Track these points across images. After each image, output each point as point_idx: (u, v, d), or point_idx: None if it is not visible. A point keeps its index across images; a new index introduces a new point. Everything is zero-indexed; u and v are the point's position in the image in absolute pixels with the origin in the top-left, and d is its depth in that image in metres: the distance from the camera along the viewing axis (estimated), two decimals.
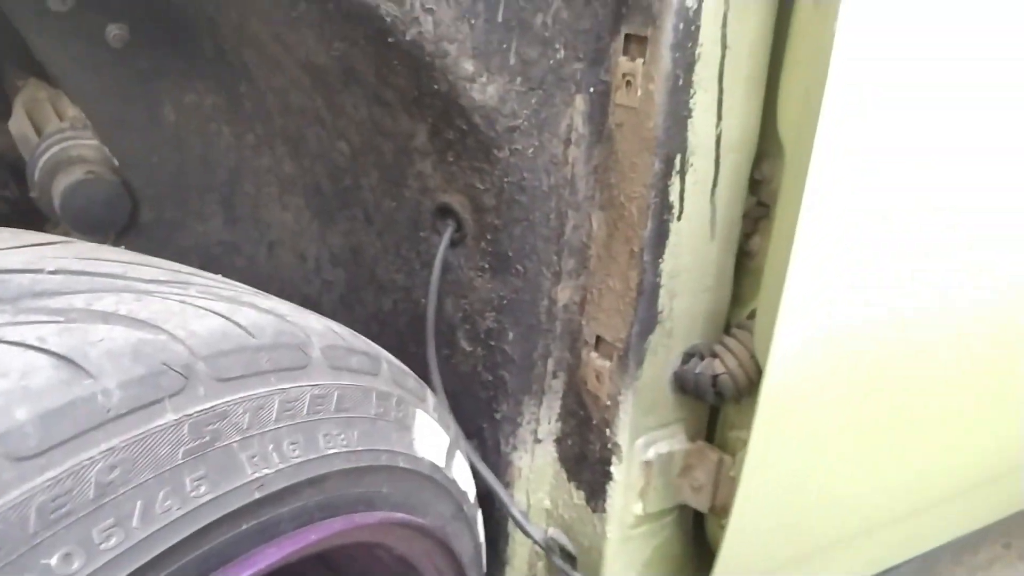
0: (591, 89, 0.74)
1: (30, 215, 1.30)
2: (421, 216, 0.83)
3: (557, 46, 0.71)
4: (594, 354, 0.81)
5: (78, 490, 0.37)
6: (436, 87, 0.69)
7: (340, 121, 0.84)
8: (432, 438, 0.67)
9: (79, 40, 0.84)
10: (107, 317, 0.44)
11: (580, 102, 0.74)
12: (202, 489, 0.42)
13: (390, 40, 0.66)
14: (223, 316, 0.50)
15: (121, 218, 0.90)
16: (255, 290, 0.60)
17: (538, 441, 0.87)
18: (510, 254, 0.78)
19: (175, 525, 0.41)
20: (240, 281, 0.62)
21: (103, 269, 0.51)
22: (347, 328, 0.63)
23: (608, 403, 0.80)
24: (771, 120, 0.76)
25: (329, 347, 0.56)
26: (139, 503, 0.39)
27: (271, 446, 0.48)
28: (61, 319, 0.43)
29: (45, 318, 0.43)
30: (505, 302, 0.80)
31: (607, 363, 0.80)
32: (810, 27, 0.71)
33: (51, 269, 0.48)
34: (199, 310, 0.49)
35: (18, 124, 1.08)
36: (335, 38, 0.72)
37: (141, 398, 0.41)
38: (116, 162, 0.92)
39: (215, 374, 0.46)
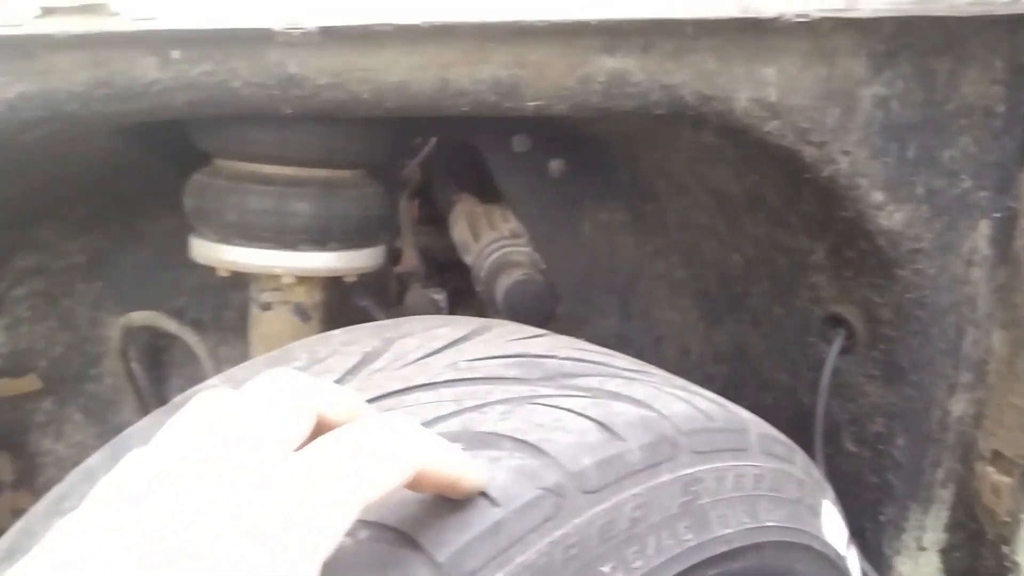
0: (996, 214, 0.79)
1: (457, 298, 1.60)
2: (810, 323, 0.92)
3: (963, 177, 0.77)
4: (991, 468, 0.82)
5: (618, 521, 0.51)
6: (843, 213, 0.79)
7: (737, 237, 0.97)
8: (835, 528, 0.74)
9: (529, 172, 1.08)
10: (615, 396, 0.60)
11: (984, 226, 0.79)
12: (689, 536, 0.55)
13: (805, 176, 0.78)
14: (686, 401, 0.63)
15: (548, 312, 1.11)
16: (688, 382, 0.74)
17: (922, 549, 0.89)
18: (904, 364, 0.83)
19: (670, 562, 0.53)
20: None
21: (592, 358, 0.67)
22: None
23: (1007, 519, 0.81)
24: None
25: (761, 434, 0.66)
26: (651, 538, 0.53)
27: (729, 511, 0.59)
28: (588, 395, 0.59)
29: (577, 393, 0.59)
30: (896, 409, 0.85)
31: (1006, 479, 0.80)
32: None
33: (562, 356, 0.66)
34: (667, 394, 0.63)
35: (460, 232, 1.38)
36: (750, 172, 0.86)
37: (650, 460, 0.55)
38: (543, 266, 1.14)
39: (691, 447, 0.58)
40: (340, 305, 0.99)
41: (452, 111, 0.70)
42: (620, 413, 0.57)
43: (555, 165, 1.08)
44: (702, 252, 1.04)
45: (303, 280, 0.87)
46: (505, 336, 0.70)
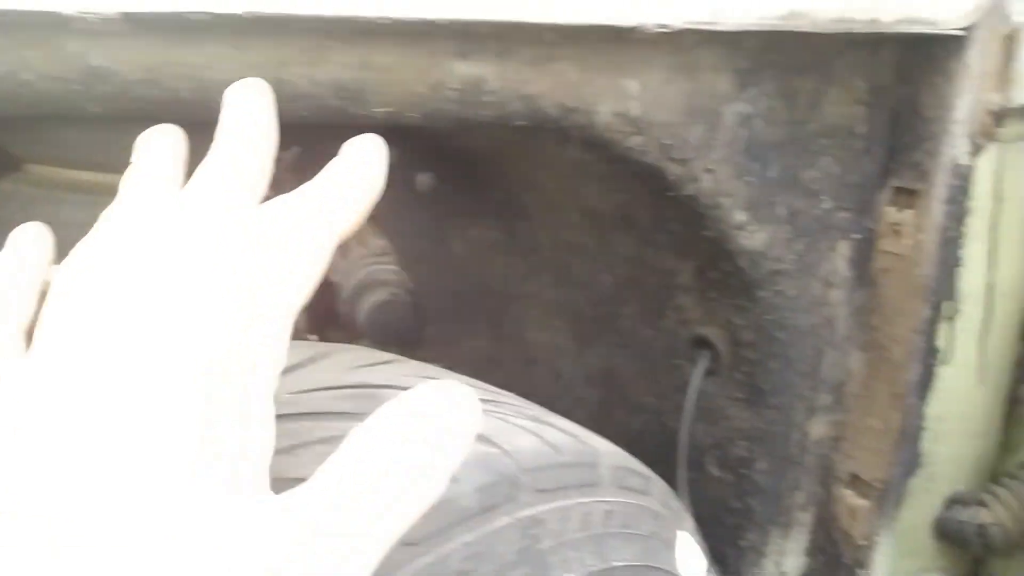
0: (855, 235, 0.78)
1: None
2: (677, 345, 0.90)
3: (823, 197, 0.77)
4: (848, 491, 0.82)
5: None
6: (706, 233, 0.77)
7: (607, 257, 0.94)
8: (692, 559, 0.71)
9: (396, 186, 1.02)
10: None
11: (844, 248, 0.79)
12: None
13: (669, 194, 0.75)
14: (534, 433, 0.59)
15: (415, 334, 1.05)
16: (546, 410, 0.69)
17: (783, 574, 0.88)
18: (765, 387, 0.82)
19: None
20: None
21: None
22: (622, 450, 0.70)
23: (862, 543, 0.80)
24: None
25: (614, 467, 0.63)
26: None
27: (573, 553, 0.55)
28: None
29: None
30: (757, 432, 0.83)
31: (863, 502, 0.80)
32: None
33: (406, 386, 0.60)
34: (514, 427, 0.59)
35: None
36: (617, 190, 0.83)
37: (486, 502, 0.50)
38: (411, 286, 1.08)
39: (534, 485, 0.54)
40: None
41: (291, 116, 0.63)
42: None
43: (423, 179, 1.02)
44: (573, 272, 1.01)
45: None
46: (347, 364, 0.64)
